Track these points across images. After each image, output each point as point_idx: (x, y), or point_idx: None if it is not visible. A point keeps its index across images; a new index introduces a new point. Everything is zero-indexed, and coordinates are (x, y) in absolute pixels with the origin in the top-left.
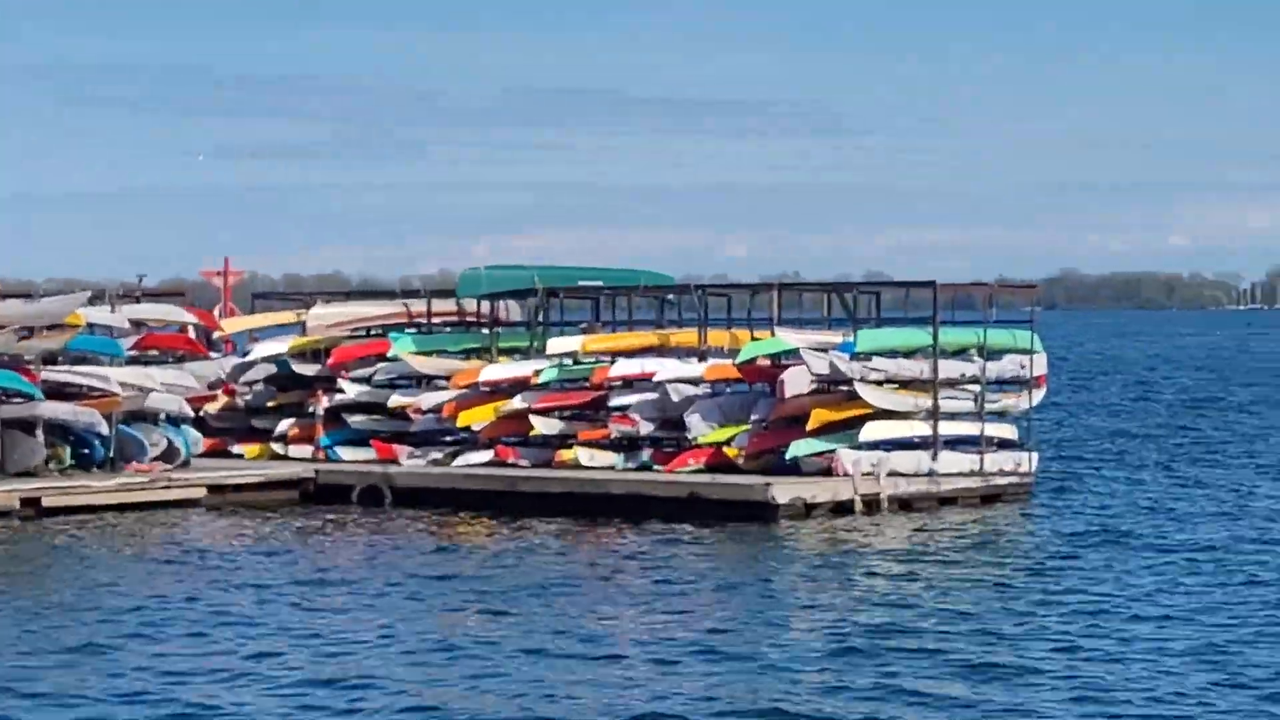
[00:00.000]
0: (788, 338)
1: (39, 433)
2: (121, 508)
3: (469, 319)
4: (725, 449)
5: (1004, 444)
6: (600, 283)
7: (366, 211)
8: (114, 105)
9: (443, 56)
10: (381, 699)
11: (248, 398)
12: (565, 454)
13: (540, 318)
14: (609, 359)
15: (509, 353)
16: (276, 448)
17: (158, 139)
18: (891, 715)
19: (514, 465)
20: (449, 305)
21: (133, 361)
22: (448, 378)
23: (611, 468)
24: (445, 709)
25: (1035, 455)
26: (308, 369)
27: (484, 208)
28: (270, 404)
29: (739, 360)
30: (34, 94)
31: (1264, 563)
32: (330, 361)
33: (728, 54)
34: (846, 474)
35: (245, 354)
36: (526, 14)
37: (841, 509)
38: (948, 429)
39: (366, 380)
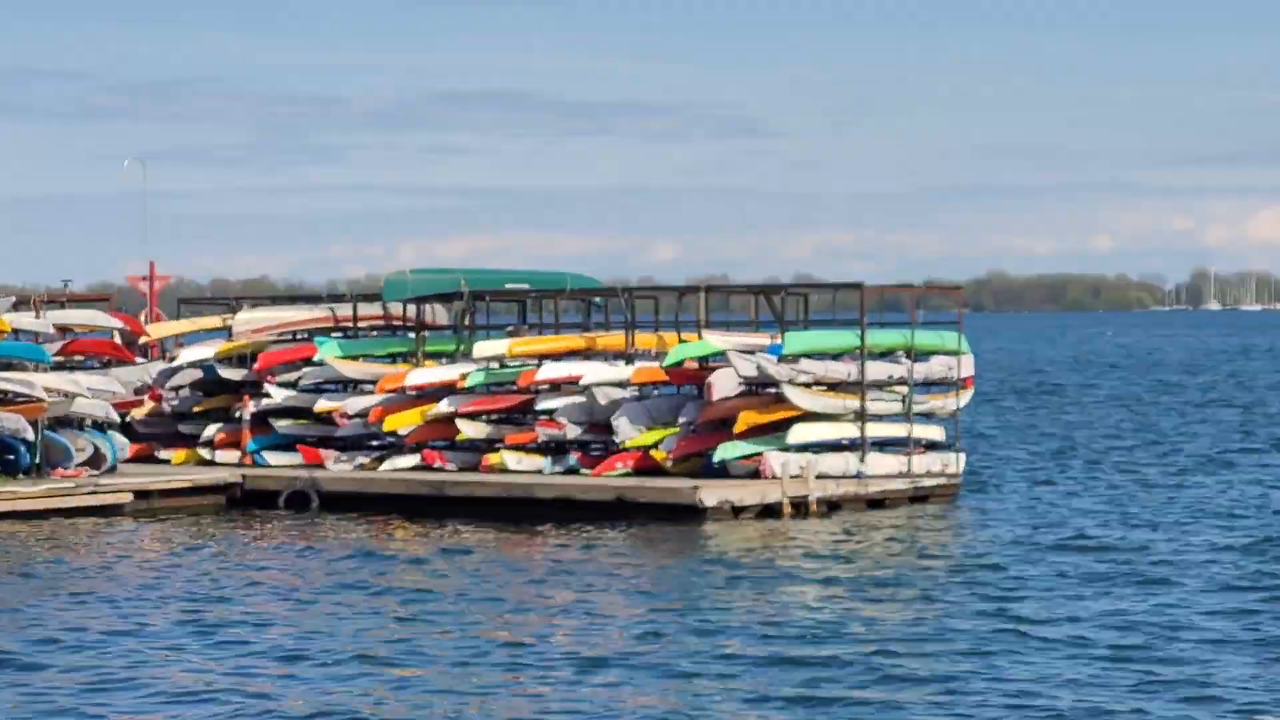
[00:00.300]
0: (715, 340)
1: None
2: (47, 513)
3: (395, 323)
4: (653, 452)
5: (932, 445)
6: (527, 286)
7: (291, 216)
8: (33, 112)
9: (357, 62)
10: (302, 707)
11: (174, 403)
12: (492, 458)
13: (466, 321)
14: (536, 362)
15: (435, 356)
16: (203, 453)
17: (80, 144)
18: None
19: (441, 469)
20: (375, 309)
21: (58, 367)
22: (374, 382)
23: (539, 471)
24: (362, 717)
25: (962, 456)
26: (234, 374)
27: (409, 212)
28: (197, 409)
29: (666, 363)
30: None
31: (1183, 562)
32: (256, 366)
33: (644, 59)
34: (774, 476)
35: (171, 359)
36: (448, 20)
37: (769, 511)
38: (876, 431)
39: (292, 385)
